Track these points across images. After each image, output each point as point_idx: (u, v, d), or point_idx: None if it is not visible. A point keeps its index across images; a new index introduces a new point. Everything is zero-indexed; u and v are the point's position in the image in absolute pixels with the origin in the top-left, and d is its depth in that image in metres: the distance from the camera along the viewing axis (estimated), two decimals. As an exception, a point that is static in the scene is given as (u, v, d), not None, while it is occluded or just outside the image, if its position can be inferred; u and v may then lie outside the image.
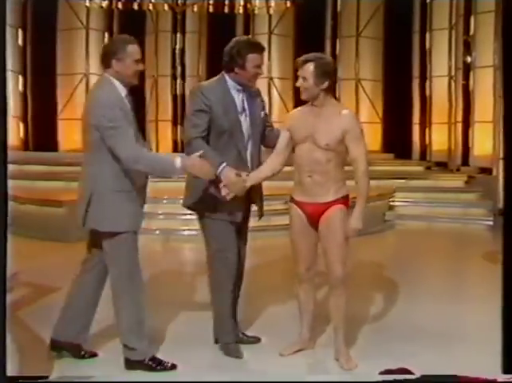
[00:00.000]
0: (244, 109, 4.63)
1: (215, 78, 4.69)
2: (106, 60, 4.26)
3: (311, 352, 4.74)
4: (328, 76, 4.32)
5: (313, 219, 4.44)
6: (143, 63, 4.31)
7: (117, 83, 4.23)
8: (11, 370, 3.61)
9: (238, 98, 4.62)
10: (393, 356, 4.57)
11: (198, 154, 4.21)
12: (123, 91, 4.25)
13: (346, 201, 4.43)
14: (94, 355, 4.58)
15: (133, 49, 4.25)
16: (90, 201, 4.22)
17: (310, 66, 4.29)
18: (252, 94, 4.70)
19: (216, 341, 4.81)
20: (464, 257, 9.04)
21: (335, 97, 4.53)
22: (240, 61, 4.52)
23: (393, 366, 4.21)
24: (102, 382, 4.12)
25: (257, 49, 4.57)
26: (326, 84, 4.31)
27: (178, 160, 4.16)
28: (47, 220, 9.49)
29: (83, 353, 4.53)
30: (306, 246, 4.53)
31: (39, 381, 3.96)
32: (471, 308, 6.06)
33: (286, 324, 5.12)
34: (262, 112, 4.73)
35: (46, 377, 4.02)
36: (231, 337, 4.74)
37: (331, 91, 4.42)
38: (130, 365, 4.35)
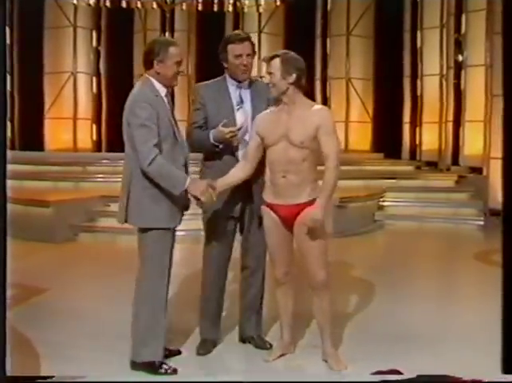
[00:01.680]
0: (242, 102, 4.66)
1: (217, 78, 4.77)
2: (147, 61, 4.33)
3: (296, 354, 4.73)
4: (296, 69, 4.28)
5: (288, 222, 4.39)
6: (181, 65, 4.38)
7: (157, 83, 4.31)
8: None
9: (236, 93, 4.67)
10: (382, 357, 4.58)
11: (205, 182, 4.28)
12: (163, 91, 4.33)
13: None
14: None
15: (175, 50, 4.31)
16: (128, 198, 4.28)
17: (276, 61, 4.29)
18: (257, 89, 4.71)
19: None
20: (455, 257, 9.06)
21: (309, 96, 4.44)
22: (224, 53, 4.60)
23: (382, 367, 4.22)
24: (99, 382, 4.12)
25: (237, 38, 4.59)
26: (294, 77, 4.27)
27: (187, 181, 4.21)
28: (34, 220, 9.44)
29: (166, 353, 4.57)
30: (282, 249, 4.49)
31: (39, 381, 3.97)
32: (462, 308, 6.07)
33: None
34: (269, 108, 4.62)
35: (47, 378, 4.02)
36: (208, 334, 4.81)
37: (302, 88, 4.36)
38: (135, 366, 4.37)
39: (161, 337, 4.38)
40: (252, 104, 4.68)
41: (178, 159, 4.33)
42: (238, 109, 4.66)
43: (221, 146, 4.57)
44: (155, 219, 4.28)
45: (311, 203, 4.29)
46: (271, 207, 4.43)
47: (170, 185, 4.22)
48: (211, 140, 4.54)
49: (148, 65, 4.33)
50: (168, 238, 4.34)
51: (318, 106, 4.41)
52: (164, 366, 4.36)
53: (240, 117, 4.63)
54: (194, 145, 4.63)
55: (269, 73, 4.31)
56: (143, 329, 4.33)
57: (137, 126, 4.17)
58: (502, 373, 3.72)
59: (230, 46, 4.57)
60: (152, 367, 4.33)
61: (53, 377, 4.01)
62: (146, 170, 4.18)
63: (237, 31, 4.95)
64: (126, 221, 4.35)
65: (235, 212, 4.65)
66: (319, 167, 4.38)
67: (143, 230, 4.31)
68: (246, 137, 4.60)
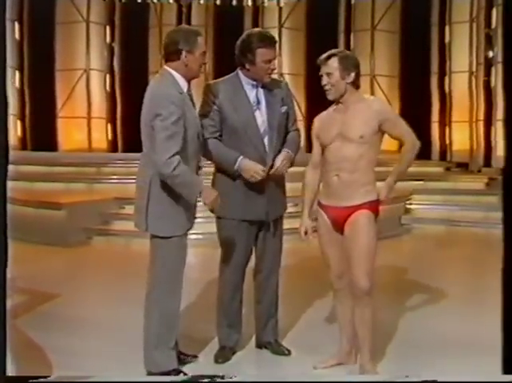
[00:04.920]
0: (259, 103, 4.61)
1: (229, 75, 4.69)
2: (173, 52, 4.20)
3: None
4: (355, 67, 4.31)
5: (338, 225, 4.35)
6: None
7: (179, 77, 4.22)
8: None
9: (252, 93, 4.61)
10: (414, 366, 4.57)
11: (216, 193, 4.24)
12: (185, 87, 4.24)
13: (374, 206, 4.31)
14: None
15: (202, 41, 4.26)
16: (148, 206, 4.22)
17: (334, 60, 4.26)
18: (271, 88, 4.66)
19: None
20: (486, 264, 8.97)
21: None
22: (250, 56, 4.50)
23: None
24: (102, 382, 4.14)
25: (268, 42, 4.51)
26: (352, 76, 4.28)
27: (203, 185, 4.17)
28: (46, 223, 9.49)
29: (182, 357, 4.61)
30: (335, 253, 4.42)
31: (39, 380, 4.00)
32: (496, 318, 6.02)
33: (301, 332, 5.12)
34: (283, 108, 4.67)
35: (47, 377, 4.06)
36: (227, 341, 4.83)
37: (358, 85, 4.36)
38: (151, 374, 4.37)
39: (174, 345, 4.38)
40: (267, 104, 4.64)
41: (199, 159, 4.33)
42: (255, 110, 4.61)
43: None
44: (176, 227, 4.24)
45: (363, 206, 4.27)
46: (322, 207, 4.43)
47: (190, 193, 4.15)
48: (235, 167, 4.50)
49: (174, 56, 4.20)
50: (184, 243, 4.32)
51: (371, 97, 4.47)
52: (182, 375, 4.36)
53: (259, 119, 4.60)
54: (213, 158, 4.59)
55: (327, 74, 4.28)
56: (154, 337, 4.33)
57: (161, 129, 4.03)
58: (502, 374, 3.73)
59: (260, 50, 4.48)
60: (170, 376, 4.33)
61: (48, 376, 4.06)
62: (166, 176, 4.07)
63: (261, 31, 4.74)
64: (147, 230, 4.27)
65: (253, 217, 4.63)
66: (377, 169, 4.38)
67: (161, 238, 4.25)
68: (265, 140, 4.59)
